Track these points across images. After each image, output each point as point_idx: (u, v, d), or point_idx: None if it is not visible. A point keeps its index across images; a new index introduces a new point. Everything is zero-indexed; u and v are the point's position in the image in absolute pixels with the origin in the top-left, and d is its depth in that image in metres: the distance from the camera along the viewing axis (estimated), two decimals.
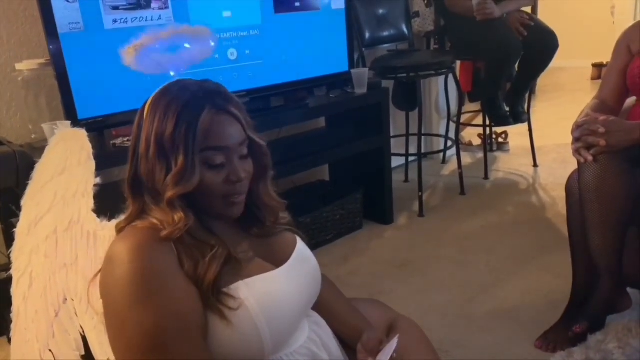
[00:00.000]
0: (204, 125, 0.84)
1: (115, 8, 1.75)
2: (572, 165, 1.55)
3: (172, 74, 0.94)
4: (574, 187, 1.54)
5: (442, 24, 3.08)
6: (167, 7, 1.86)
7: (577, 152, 1.45)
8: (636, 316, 1.61)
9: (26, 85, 1.80)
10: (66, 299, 0.98)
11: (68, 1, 1.66)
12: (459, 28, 2.89)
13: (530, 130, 3.17)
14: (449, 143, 3.28)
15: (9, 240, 1.04)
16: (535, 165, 3.20)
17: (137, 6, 1.79)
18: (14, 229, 1.04)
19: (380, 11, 2.83)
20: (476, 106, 3.51)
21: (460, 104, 3.02)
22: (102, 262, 0.84)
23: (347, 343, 1.02)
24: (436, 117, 3.47)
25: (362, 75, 2.36)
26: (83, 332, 0.97)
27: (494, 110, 3.03)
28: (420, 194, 2.65)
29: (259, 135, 0.93)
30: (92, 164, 1.05)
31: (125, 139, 1.74)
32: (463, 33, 2.86)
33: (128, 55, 0.92)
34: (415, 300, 1.93)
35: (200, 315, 0.81)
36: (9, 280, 1.02)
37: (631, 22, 1.79)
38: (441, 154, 3.38)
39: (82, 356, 0.98)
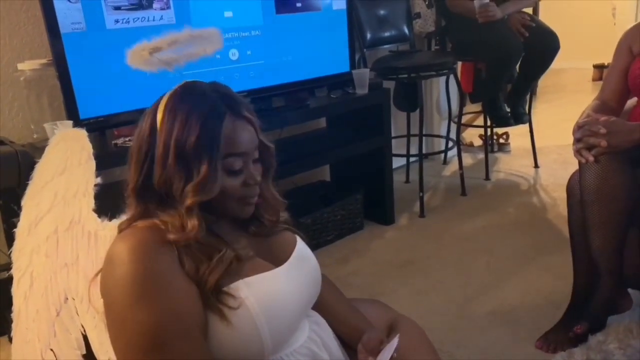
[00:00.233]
0: (226, 133, 0.85)
1: (117, 8, 1.76)
2: (573, 166, 1.55)
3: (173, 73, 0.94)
4: (575, 188, 1.54)
5: (443, 25, 3.08)
6: (168, 8, 1.86)
7: (578, 152, 1.45)
8: (637, 317, 1.60)
9: (28, 85, 1.80)
10: (67, 299, 0.98)
11: (70, 1, 1.67)
12: (460, 29, 2.89)
13: (531, 131, 3.17)
14: (450, 144, 3.28)
15: (11, 239, 1.04)
16: (536, 166, 3.20)
17: (138, 6, 1.80)
18: (15, 229, 1.04)
19: (382, 12, 2.83)
20: (477, 107, 3.52)
21: (461, 104, 3.02)
22: (103, 261, 0.84)
23: (347, 343, 1.02)
24: (437, 117, 3.47)
25: (363, 75, 2.36)
26: (84, 331, 0.98)
27: (495, 111, 3.03)
28: (421, 194, 2.65)
29: (265, 136, 0.93)
30: (93, 164, 1.06)
31: (127, 139, 1.74)
32: (464, 34, 2.86)
33: (140, 57, 0.91)
34: (415, 300, 1.93)
35: (200, 315, 0.81)
36: (9, 280, 1.02)
37: (632, 23, 1.80)
38: (442, 155, 3.38)
39: (84, 355, 0.98)
